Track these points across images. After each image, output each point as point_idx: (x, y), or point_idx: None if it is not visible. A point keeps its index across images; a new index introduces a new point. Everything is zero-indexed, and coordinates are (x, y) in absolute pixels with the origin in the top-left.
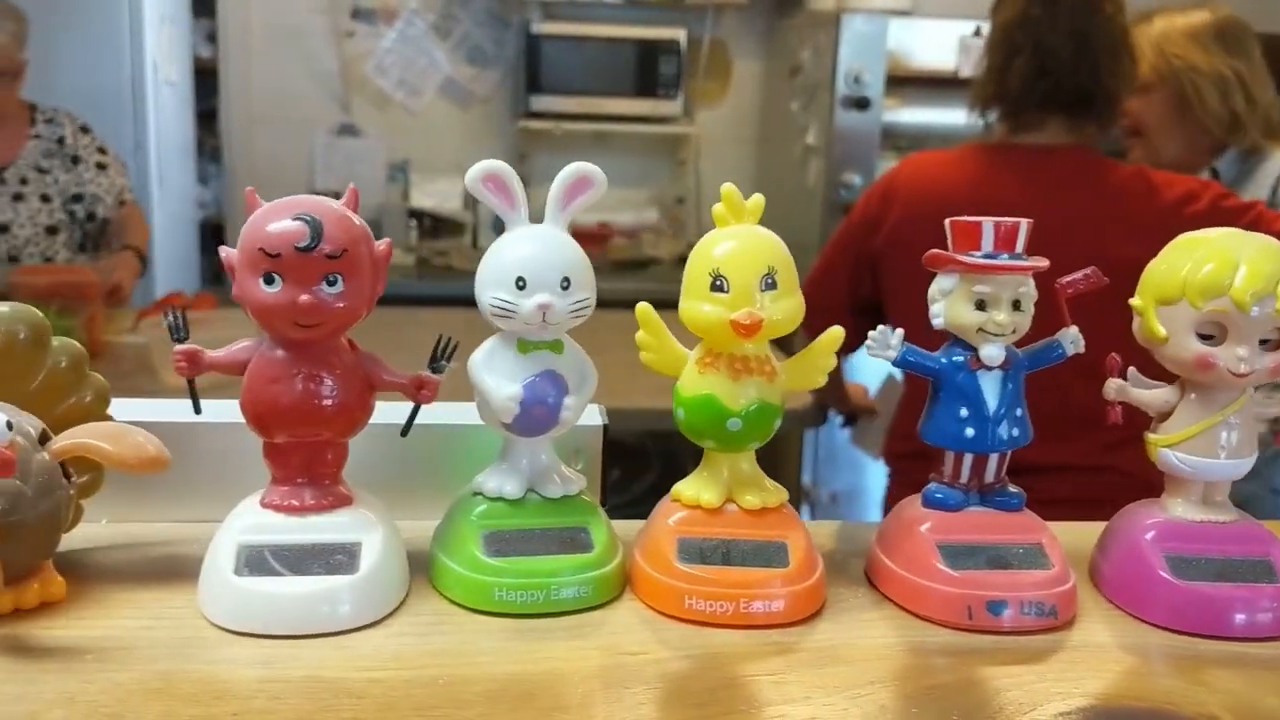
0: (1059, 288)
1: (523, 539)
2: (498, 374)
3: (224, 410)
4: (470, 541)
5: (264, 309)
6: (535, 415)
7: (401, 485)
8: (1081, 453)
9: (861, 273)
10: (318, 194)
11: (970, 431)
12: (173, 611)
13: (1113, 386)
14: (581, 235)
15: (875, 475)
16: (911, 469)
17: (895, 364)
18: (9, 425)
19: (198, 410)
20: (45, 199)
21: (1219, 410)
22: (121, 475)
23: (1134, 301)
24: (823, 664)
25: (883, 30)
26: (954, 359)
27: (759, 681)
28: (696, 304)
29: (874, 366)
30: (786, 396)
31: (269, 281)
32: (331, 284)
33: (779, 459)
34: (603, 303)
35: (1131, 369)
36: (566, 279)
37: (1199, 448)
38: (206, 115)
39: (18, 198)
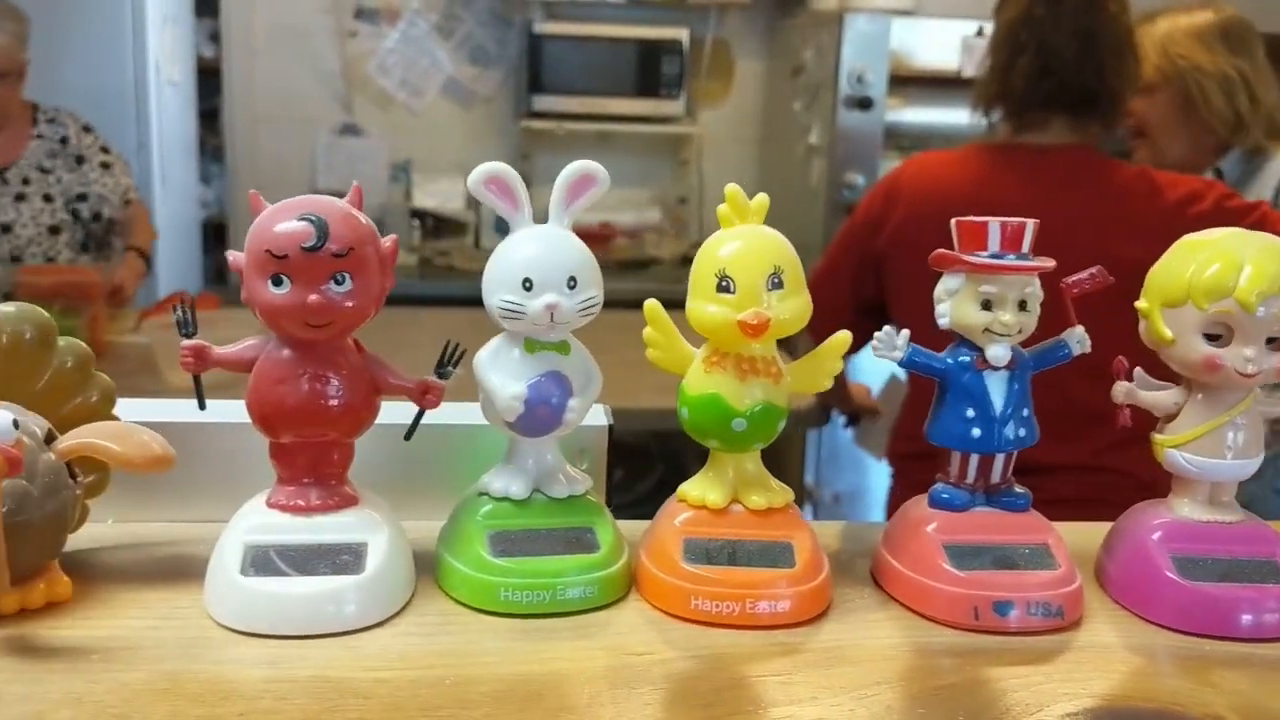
0: (1065, 287)
1: (528, 539)
2: (503, 373)
3: (230, 410)
4: (476, 541)
5: (273, 310)
6: (539, 415)
7: (407, 485)
8: (1085, 452)
9: (865, 273)
10: (320, 194)
11: (976, 432)
12: (179, 611)
13: (1121, 390)
14: (584, 235)
15: (878, 476)
16: (915, 469)
17: (901, 364)
18: (15, 424)
19: (202, 406)
20: (48, 199)
21: (1225, 411)
22: (127, 475)
23: (1139, 304)
24: (829, 664)
25: (885, 30)
26: (960, 359)
27: (765, 682)
28: (703, 304)
29: (877, 367)
30: (792, 398)
31: (277, 283)
32: (339, 283)
33: (782, 459)
34: (605, 302)
35: (1138, 369)
36: (573, 278)
37: (1205, 448)
38: (209, 115)
39: (20, 198)
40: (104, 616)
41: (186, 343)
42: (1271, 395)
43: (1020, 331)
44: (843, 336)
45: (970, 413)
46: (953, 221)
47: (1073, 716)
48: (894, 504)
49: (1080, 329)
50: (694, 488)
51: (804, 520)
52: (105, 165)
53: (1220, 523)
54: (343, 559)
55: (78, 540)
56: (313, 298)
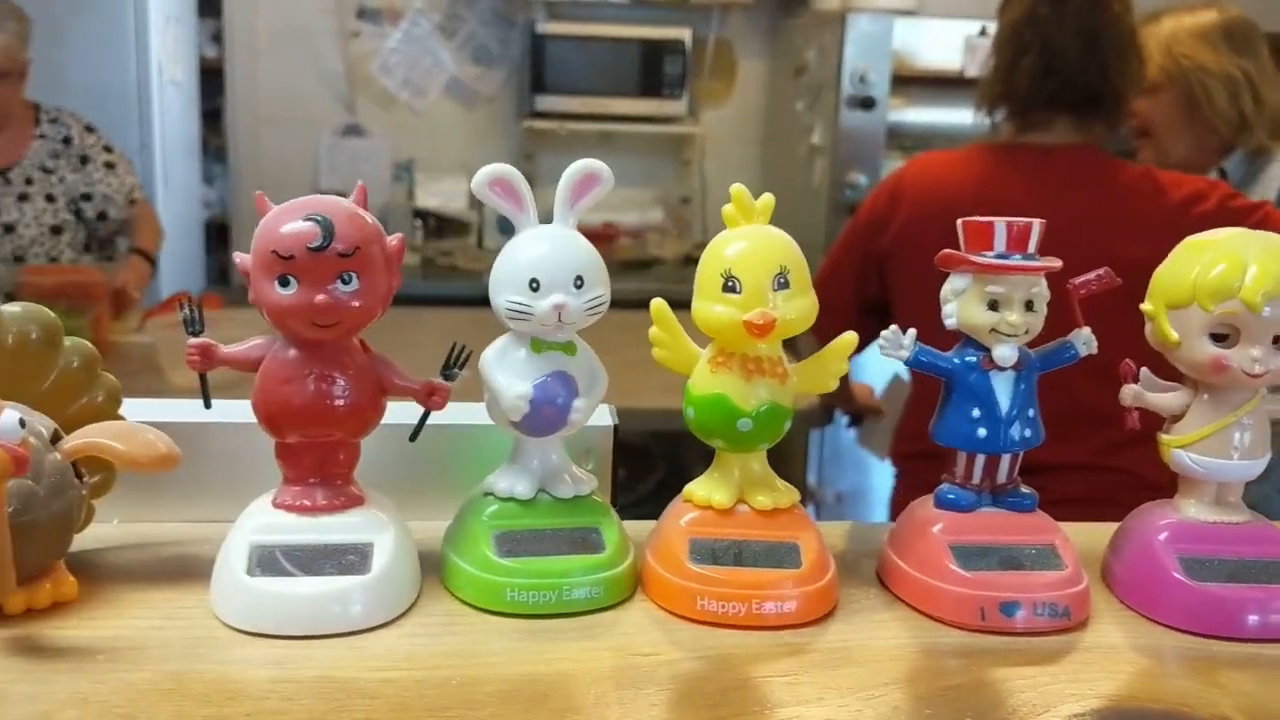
0: (1071, 288)
1: (534, 539)
2: (509, 372)
3: (236, 410)
4: (482, 542)
5: (280, 311)
6: (544, 415)
7: (413, 485)
8: (1090, 452)
9: (868, 273)
10: (323, 194)
11: (982, 432)
12: (185, 611)
13: (1129, 392)
14: (587, 235)
15: (881, 475)
16: (918, 469)
17: (908, 364)
18: (21, 424)
19: (208, 405)
20: (50, 199)
21: (1232, 411)
22: (133, 475)
23: (1145, 306)
24: (835, 665)
25: (888, 30)
26: (967, 359)
27: (772, 682)
28: (709, 305)
29: (880, 367)
30: (797, 399)
31: (284, 283)
32: (346, 282)
33: (785, 459)
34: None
35: (1144, 370)
36: (579, 278)
37: (1212, 448)
38: (212, 115)
39: (23, 198)
40: (110, 616)
41: (193, 341)
42: (1277, 395)
43: (1027, 332)
44: (849, 338)
45: (976, 413)
46: (959, 222)
47: (1079, 717)
48: (897, 504)
49: (1087, 330)
50: (700, 488)
51: (810, 521)
52: (109, 165)
53: (1227, 523)
54: (349, 559)
55: (83, 540)
56: (320, 298)
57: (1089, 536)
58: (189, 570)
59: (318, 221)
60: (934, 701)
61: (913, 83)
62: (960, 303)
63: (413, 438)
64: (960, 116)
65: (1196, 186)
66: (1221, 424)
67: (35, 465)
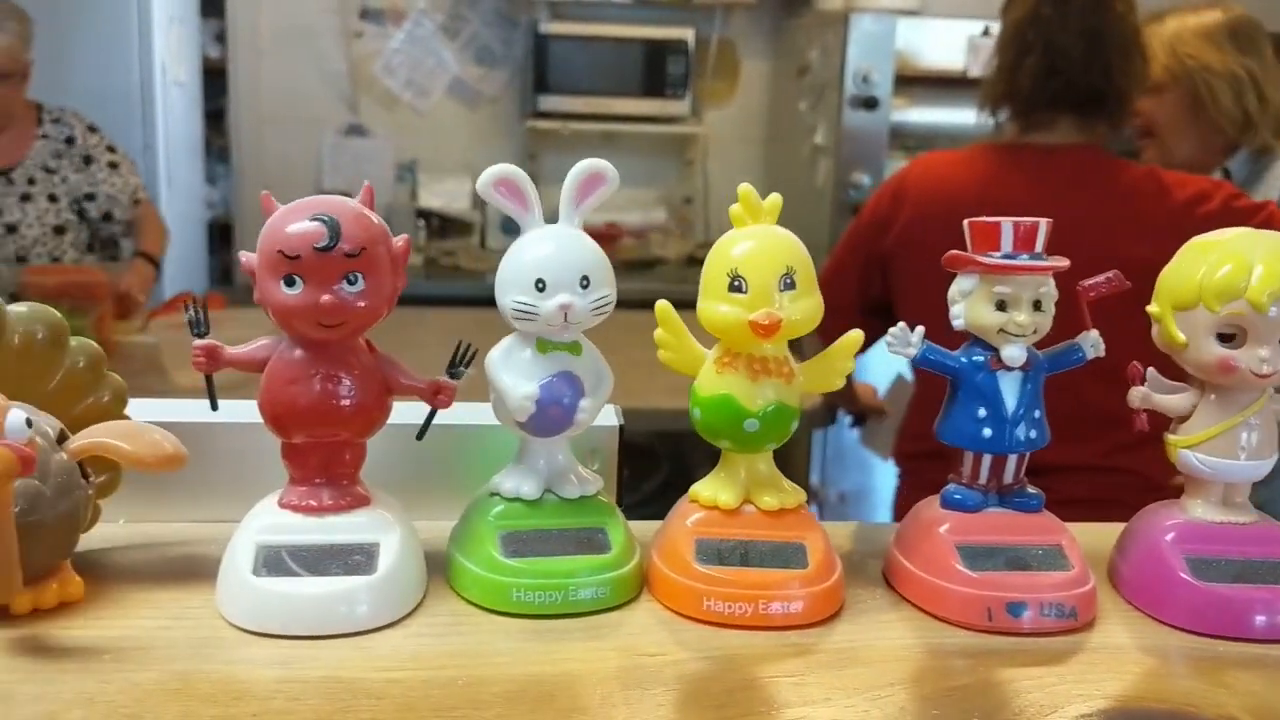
0: (1080, 290)
1: (540, 539)
2: (515, 373)
3: (242, 410)
4: (488, 542)
5: (286, 311)
6: (550, 415)
7: (419, 486)
8: (1096, 453)
9: (872, 273)
10: (325, 194)
11: (987, 432)
12: (191, 612)
13: (1137, 395)
14: (590, 235)
15: (884, 475)
16: (921, 469)
17: (915, 362)
18: (28, 423)
19: (214, 407)
20: (53, 199)
21: (1239, 411)
22: (139, 475)
23: (1151, 308)
24: (842, 665)
25: (891, 30)
26: (974, 358)
27: (778, 683)
28: (714, 304)
29: (882, 367)
30: (803, 398)
31: (290, 283)
32: (352, 283)
33: (788, 459)
34: None
35: (1150, 370)
36: (586, 278)
37: (1219, 449)
38: (215, 115)
39: (25, 198)
40: (116, 616)
41: (199, 342)
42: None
43: (1035, 332)
44: (855, 335)
45: (982, 412)
46: (965, 222)
47: (1086, 718)
48: (900, 504)
49: (1095, 333)
50: (706, 488)
51: (816, 521)
52: (113, 165)
53: (1234, 524)
54: (355, 559)
55: (90, 540)
56: (325, 298)
57: (1095, 537)
58: (195, 570)
59: (324, 222)
60: (940, 702)
61: (916, 83)
62: (968, 304)
63: (419, 436)
64: (963, 116)
65: (1200, 186)
66: (1229, 424)
67: (41, 465)
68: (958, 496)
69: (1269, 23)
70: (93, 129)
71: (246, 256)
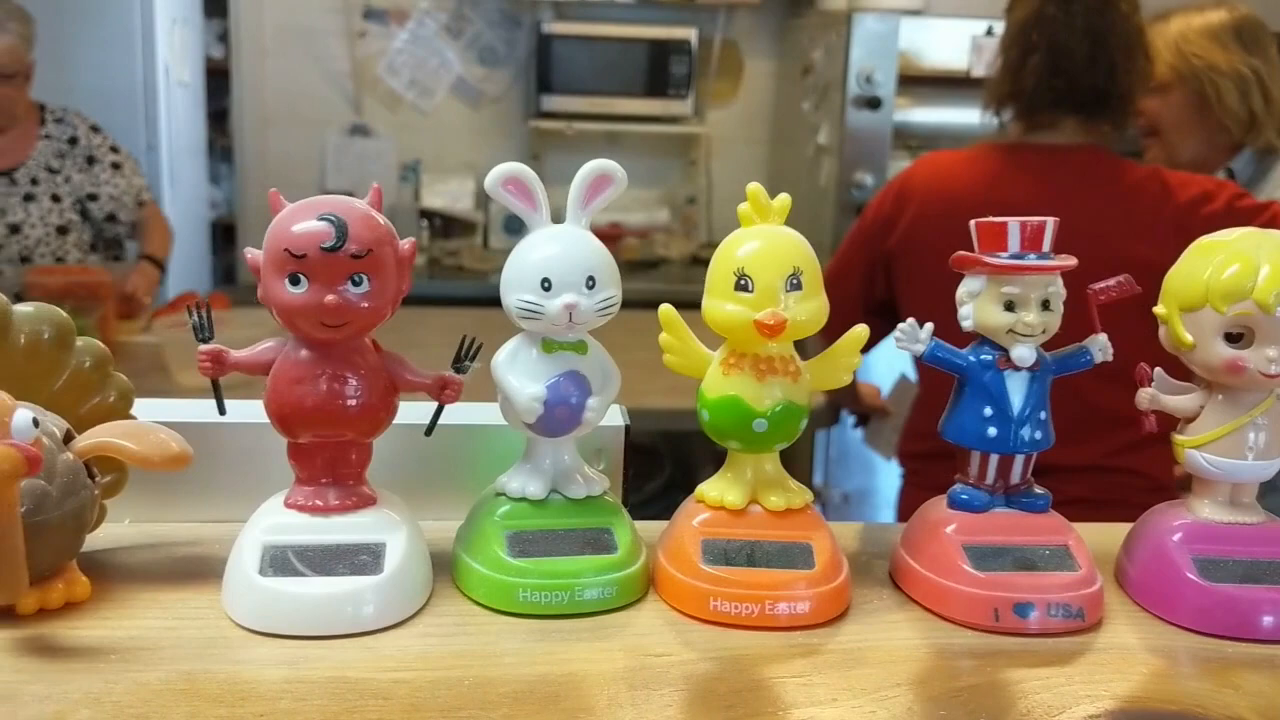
0: (1091, 294)
1: (546, 540)
2: (521, 374)
3: (248, 410)
4: (494, 542)
5: (290, 310)
6: (558, 416)
7: (425, 485)
8: (1101, 453)
9: (875, 272)
10: (330, 194)
11: (993, 431)
12: (197, 612)
13: (1145, 396)
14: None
15: (887, 476)
16: (925, 469)
17: (923, 359)
18: (35, 423)
19: (223, 411)
20: (56, 199)
21: (1246, 411)
22: (145, 475)
23: (1158, 310)
24: (848, 666)
25: (894, 29)
26: (982, 357)
27: (785, 684)
28: (720, 303)
29: (886, 367)
30: (812, 397)
31: (294, 282)
32: (357, 284)
33: (791, 459)
34: None
35: (1158, 370)
36: (591, 278)
37: (1226, 449)
38: (218, 115)
39: (28, 198)
40: (122, 616)
41: (204, 348)
42: None
43: (1044, 331)
44: (861, 330)
45: (988, 411)
46: (972, 223)
47: (1094, 718)
48: (904, 504)
49: (1103, 337)
50: (712, 488)
51: (823, 521)
52: (116, 165)
53: (1241, 524)
54: (361, 559)
55: (96, 540)
56: (330, 298)
57: (1102, 537)
58: (201, 570)
59: (331, 221)
60: (947, 703)
61: (919, 82)
62: (976, 304)
63: (428, 432)
64: (967, 116)
65: (1204, 186)
66: (1236, 424)
67: (48, 465)
68: (964, 496)
69: (1274, 22)
70: (96, 129)
71: (252, 253)
